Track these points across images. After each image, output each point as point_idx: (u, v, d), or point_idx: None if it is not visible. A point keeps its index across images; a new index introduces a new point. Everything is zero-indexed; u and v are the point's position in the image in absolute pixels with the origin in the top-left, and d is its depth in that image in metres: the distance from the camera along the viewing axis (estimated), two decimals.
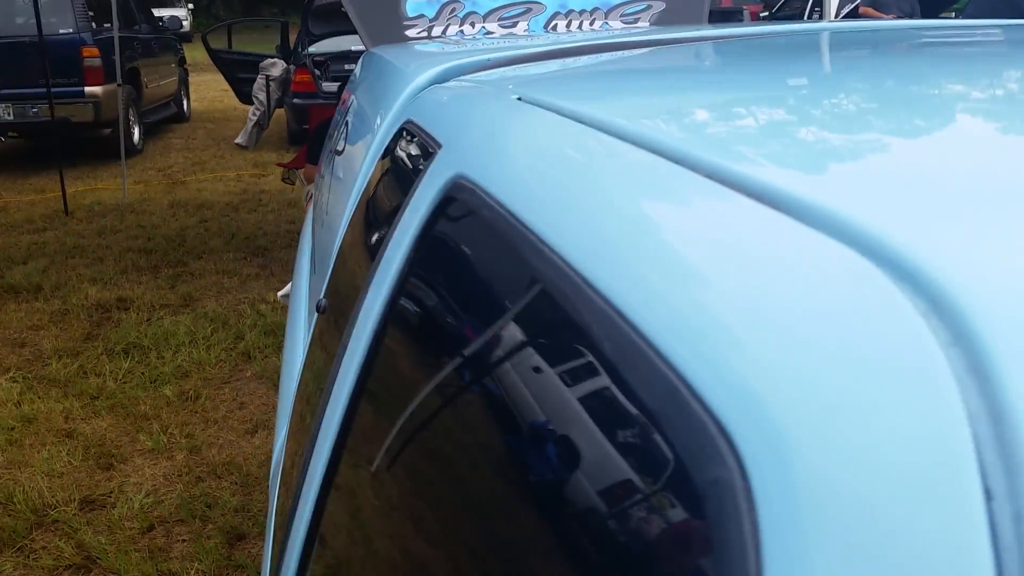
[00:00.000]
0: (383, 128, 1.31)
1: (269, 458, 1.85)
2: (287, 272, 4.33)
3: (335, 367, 0.86)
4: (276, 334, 4.27)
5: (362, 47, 3.10)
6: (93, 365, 4.03)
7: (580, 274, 0.45)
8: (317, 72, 8.48)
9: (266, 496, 2.51)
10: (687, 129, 0.58)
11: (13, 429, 3.45)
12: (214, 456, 3.28)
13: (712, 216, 0.45)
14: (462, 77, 1.24)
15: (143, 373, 3.94)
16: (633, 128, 0.59)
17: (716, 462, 0.32)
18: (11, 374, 3.94)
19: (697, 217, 0.46)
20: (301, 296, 2.09)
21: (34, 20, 6.61)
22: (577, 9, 3.62)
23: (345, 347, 0.83)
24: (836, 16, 5.26)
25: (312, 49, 8.75)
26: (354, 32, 3.67)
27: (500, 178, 0.63)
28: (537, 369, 0.50)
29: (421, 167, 0.87)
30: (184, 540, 2.78)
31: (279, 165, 4.43)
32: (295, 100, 8.21)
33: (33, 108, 8.03)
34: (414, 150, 0.99)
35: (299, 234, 2.93)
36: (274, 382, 3.75)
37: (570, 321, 0.46)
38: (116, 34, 7.34)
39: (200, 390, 3.80)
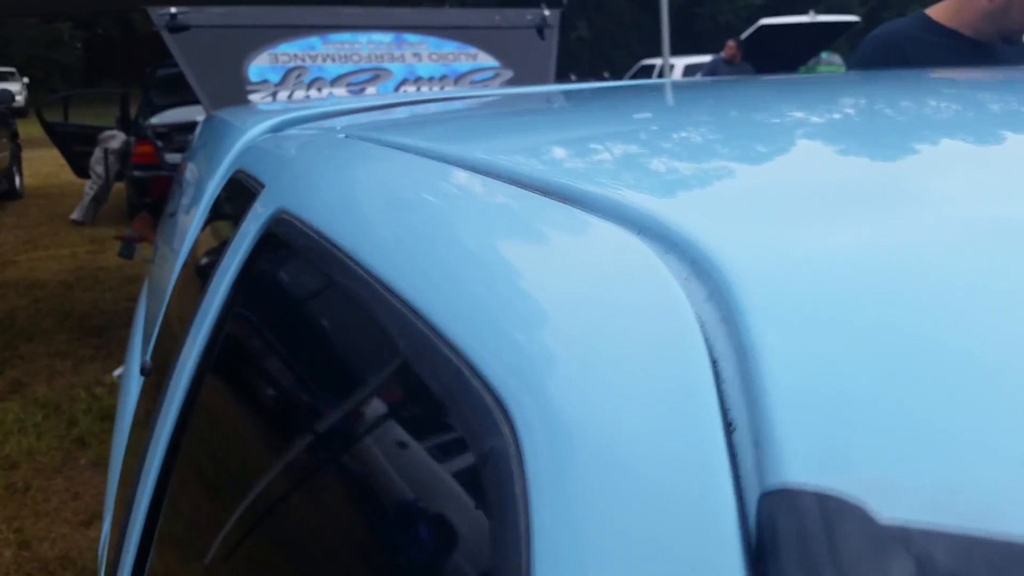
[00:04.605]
0: (214, 182, 1.25)
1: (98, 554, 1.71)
2: (125, 351, 4.12)
3: (151, 430, 0.79)
4: (112, 418, 4.01)
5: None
6: None
7: (382, 281, 0.47)
8: (160, 143, 8.19)
9: None
10: (491, 150, 0.62)
11: None
12: (46, 551, 3.02)
13: (507, 216, 0.49)
14: (295, 127, 1.19)
15: None
16: (448, 151, 0.62)
17: (494, 432, 0.35)
18: None
19: (493, 216, 0.50)
20: (132, 372, 1.96)
21: None
22: (425, 76, 3.64)
23: (160, 407, 0.77)
24: None
25: (155, 120, 8.44)
26: (198, 102, 3.58)
27: (317, 205, 0.61)
28: (348, 384, 0.51)
29: (244, 210, 0.82)
30: None
31: (116, 238, 4.22)
32: (136, 173, 7.87)
33: None
34: (240, 196, 0.94)
35: None
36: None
37: (376, 326, 0.47)
38: None
39: (30, 481, 3.52)
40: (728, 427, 0.30)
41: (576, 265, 0.41)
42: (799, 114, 0.77)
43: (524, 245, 0.46)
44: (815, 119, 0.75)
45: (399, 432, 0.46)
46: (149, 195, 7.37)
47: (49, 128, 8.11)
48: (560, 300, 0.39)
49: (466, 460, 0.37)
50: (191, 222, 1.31)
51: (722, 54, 9.60)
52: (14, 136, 10.97)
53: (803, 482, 0.27)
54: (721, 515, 0.28)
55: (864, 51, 2.05)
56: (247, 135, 1.25)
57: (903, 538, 0.25)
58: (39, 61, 28.13)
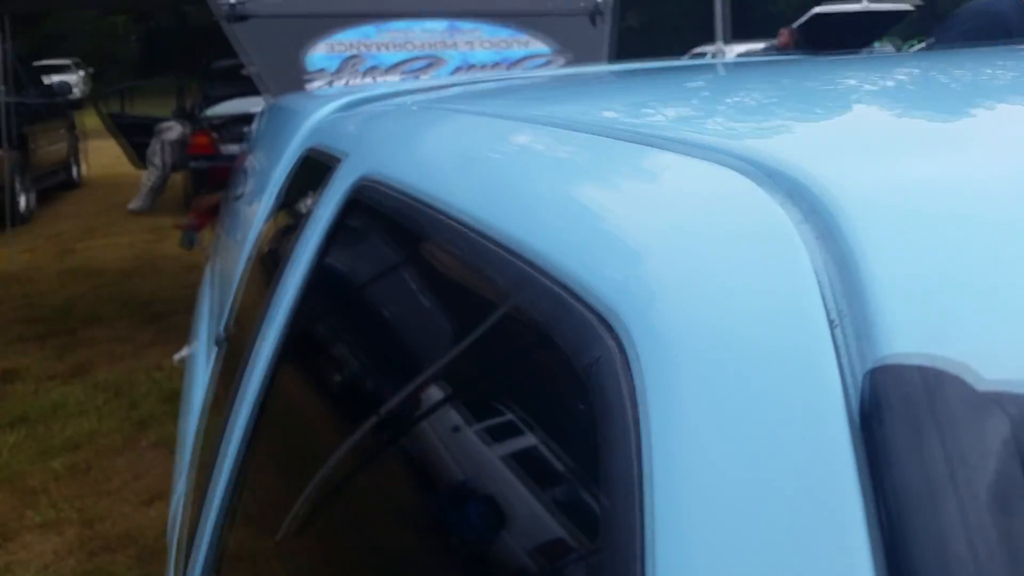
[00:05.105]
0: (283, 162, 1.27)
1: (167, 529, 1.75)
2: (185, 338, 4.18)
3: (232, 398, 0.81)
4: (173, 401, 4.07)
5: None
6: None
7: (479, 228, 0.50)
8: (215, 135, 8.32)
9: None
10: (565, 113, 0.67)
11: None
12: (108, 529, 3.10)
13: (607, 160, 0.53)
14: (363, 107, 1.21)
15: (31, 447, 3.72)
16: (528, 113, 0.67)
17: (600, 342, 0.38)
18: None
19: (594, 162, 0.54)
20: (199, 355, 2.00)
21: None
22: (479, 63, 3.66)
23: (242, 374, 0.78)
24: None
25: (211, 111, 8.58)
26: (253, 93, 3.63)
27: (405, 167, 0.62)
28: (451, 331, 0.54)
29: (322, 183, 0.83)
30: None
31: (176, 227, 4.30)
32: (193, 163, 8.02)
33: None
34: (317, 169, 0.96)
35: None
36: (172, 450, 3.59)
37: (477, 270, 0.51)
38: (2, 100, 7.08)
39: (92, 461, 3.60)
40: (831, 323, 0.34)
41: (682, 195, 0.46)
42: (889, 77, 0.78)
43: (629, 183, 0.50)
44: (899, 82, 0.76)
45: (511, 365, 0.49)
46: (207, 186, 7.48)
47: (107, 119, 8.28)
48: (670, 224, 0.43)
49: (575, 376, 0.39)
50: (262, 202, 1.33)
51: (775, 42, 9.46)
52: (71, 127, 11.21)
53: (905, 354, 0.31)
54: (827, 394, 0.31)
55: (965, 25, 2.02)
56: (314, 116, 1.27)
57: (999, 401, 0.29)
58: (95, 54, 28.70)
